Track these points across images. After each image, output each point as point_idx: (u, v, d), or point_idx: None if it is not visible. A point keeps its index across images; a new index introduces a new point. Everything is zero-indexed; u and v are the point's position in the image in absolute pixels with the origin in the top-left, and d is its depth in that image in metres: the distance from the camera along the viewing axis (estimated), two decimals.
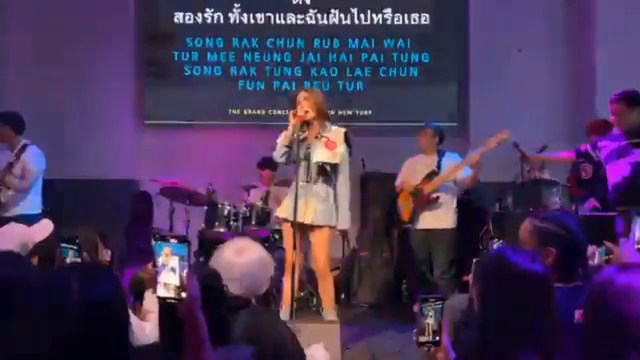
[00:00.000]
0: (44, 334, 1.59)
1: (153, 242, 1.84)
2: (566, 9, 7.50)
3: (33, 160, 5.62)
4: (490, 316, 1.90)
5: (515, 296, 1.88)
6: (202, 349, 1.82)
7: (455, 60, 7.63)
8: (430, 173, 5.68)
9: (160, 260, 1.82)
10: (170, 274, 1.82)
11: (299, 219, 4.48)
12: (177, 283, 1.82)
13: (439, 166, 5.71)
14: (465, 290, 5.24)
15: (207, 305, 2.10)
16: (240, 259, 2.62)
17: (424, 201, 5.66)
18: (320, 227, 4.65)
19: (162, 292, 1.83)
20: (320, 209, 4.64)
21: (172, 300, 1.82)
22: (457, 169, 5.60)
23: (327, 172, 4.66)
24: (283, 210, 4.75)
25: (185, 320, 1.81)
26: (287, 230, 4.70)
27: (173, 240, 1.84)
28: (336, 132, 4.70)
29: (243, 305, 2.59)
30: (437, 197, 5.62)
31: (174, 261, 1.83)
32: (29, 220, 5.46)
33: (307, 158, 4.62)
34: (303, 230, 4.65)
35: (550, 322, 1.89)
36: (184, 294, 1.81)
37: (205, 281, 2.23)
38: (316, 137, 4.65)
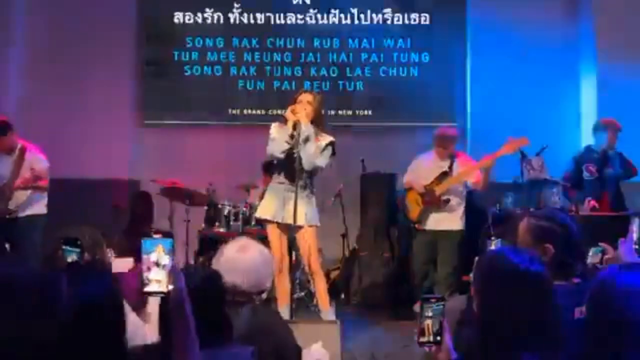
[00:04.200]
0: (31, 333, 1.59)
1: (143, 242, 1.86)
2: (566, 9, 7.50)
3: (43, 160, 5.60)
4: (490, 316, 1.90)
5: (515, 296, 1.88)
6: (191, 341, 1.83)
7: (455, 60, 7.63)
8: (442, 174, 5.65)
9: (153, 258, 1.85)
10: (161, 270, 1.86)
11: (288, 221, 4.48)
12: (166, 278, 1.86)
13: (451, 167, 5.69)
14: (465, 290, 5.25)
15: (208, 305, 2.11)
16: (243, 255, 2.66)
17: (435, 202, 5.63)
18: (310, 227, 4.65)
19: (151, 287, 1.87)
20: (309, 210, 4.64)
21: (160, 295, 1.86)
22: (469, 173, 5.57)
23: (313, 175, 4.68)
24: (266, 211, 4.72)
25: (173, 312, 1.84)
26: (273, 231, 4.68)
27: (157, 236, 1.88)
28: (326, 137, 4.68)
29: (245, 302, 2.62)
30: (449, 200, 5.60)
31: (165, 259, 1.86)
32: (41, 220, 5.50)
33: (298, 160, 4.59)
34: (290, 230, 4.64)
35: (551, 321, 1.89)
36: (170, 287, 1.85)
37: (206, 281, 2.25)
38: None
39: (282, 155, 4.59)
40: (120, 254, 3.31)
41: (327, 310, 4.72)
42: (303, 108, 4.58)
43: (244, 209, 6.15)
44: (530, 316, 1.86)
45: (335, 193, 6.58)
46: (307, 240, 4.67)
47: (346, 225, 6.70)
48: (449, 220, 5.64)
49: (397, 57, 7.64)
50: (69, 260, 2.53)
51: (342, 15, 7.67)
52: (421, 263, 5.88)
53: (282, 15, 7.68)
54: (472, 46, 7.54)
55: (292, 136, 4.52)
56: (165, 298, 1.88)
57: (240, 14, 7.68)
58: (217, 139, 7.54)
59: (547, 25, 7.45)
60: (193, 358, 1.84)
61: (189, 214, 6.40)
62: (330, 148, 4.66)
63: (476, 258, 2.13)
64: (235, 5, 7.68)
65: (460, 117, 7.59)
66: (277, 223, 4.61)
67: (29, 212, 5.47)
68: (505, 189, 6.35)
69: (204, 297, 2.06)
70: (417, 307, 2.03)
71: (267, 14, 7.67)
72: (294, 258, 5.03)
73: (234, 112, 7.68)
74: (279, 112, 7.23)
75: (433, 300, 2.00)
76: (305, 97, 4.65)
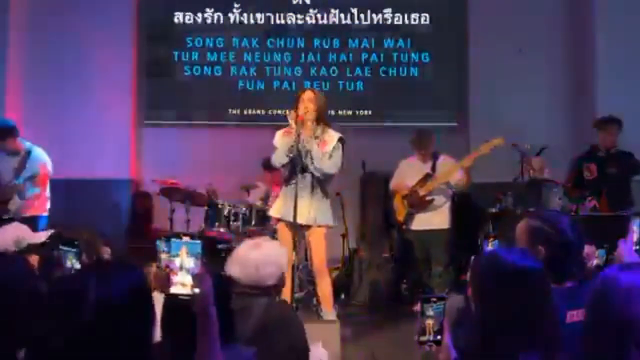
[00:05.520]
0: (58, 332, 1.57)
1: (159, 242, 1.86)
2: (566, 9, 7.49)
3: (46, 164, 5.57)
4: (488, 316, 1.90)
5: (512, 295, 1.87)
6: (213, 343, 1.84)
7: (455, 60, 7.62)
8: (425, 176, 5.73)
9: (177, 260, 1.85)
10: (186, 273, 1.87)
11: (298, 220, 4.49)
12: (192, 281, 1.88)
13: (433, 168, 5.76)
14: (461, 289, 5.25)
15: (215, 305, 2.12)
16: (256, 251, 2.75)
17: (419, 203, 5.71)
18: (318, 226, 4.66)
19: (176, 289, 1.87)
20: (319, 209, 4.65)
21: (185, 297, 1.86)
22: (451, 172, 5.66)
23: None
24: (277, 210, 4.76)
25: (198, 315, 1.84)
26: (283, 230, 4.70)
27: (186, 238, 1.88)
28: (333, 136, 4.70)
29: (259, 294, 2.67)
30: (432, 200, 5.68)
31: (190, 261, 1.86)
32: (41, 220, 5.48)
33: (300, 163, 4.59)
34: (300, 230, 4.66)
35: (549, 320, 1.88)
36: (196, 290, 1.85)
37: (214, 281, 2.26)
38: (315, 137, 4.65)
39: (282, 166, 4.69)
40: (120, 254, 3.31)
41: (330, 311, 4.73)
42: (305, 107, 4.58)
43: (244, 209, 6.14)
44: (528, 315, 1.85)
45: (335, 193, 6.57)
46: (313, 240, 4.69)
47: (346, 225, 6.70)
48: (434, 219, 5.72)
49: (397, 57, 7.64)
50: (67, 261, 2.54)
51: (342, 15, 7.67)
52: (416, 262, 5.93)
53: (282, 15, 7.68)
54: (472, 46, 7.53)
55: (291, 150, 4.55)
56: (175, 300, 1.87)
57: (240, 14, 7.68)
58: (217, 139, 7.54)
59: (547, 24, 7.45)
60: None
61: (189, 214, 6.40)
62: (339, 146, 4.68)
63: (472, 257, 2.13)
64: (235, 5, 7.68)
65: (461, 117, 7.60)
66: (286, 222, 4.63)
67: (29, 212, 5.45)
68: (505, 189, 6.34)
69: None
70: (417, 307, 2.02)
71: (267, 14, 7.67)
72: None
73: (234, 112, 7.68)
74: (279, 112, 7.26)
75: (433, 299, 2.01)
76: (307, 95, 4.67)
